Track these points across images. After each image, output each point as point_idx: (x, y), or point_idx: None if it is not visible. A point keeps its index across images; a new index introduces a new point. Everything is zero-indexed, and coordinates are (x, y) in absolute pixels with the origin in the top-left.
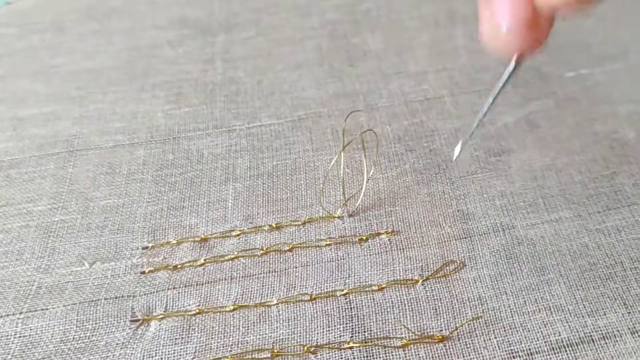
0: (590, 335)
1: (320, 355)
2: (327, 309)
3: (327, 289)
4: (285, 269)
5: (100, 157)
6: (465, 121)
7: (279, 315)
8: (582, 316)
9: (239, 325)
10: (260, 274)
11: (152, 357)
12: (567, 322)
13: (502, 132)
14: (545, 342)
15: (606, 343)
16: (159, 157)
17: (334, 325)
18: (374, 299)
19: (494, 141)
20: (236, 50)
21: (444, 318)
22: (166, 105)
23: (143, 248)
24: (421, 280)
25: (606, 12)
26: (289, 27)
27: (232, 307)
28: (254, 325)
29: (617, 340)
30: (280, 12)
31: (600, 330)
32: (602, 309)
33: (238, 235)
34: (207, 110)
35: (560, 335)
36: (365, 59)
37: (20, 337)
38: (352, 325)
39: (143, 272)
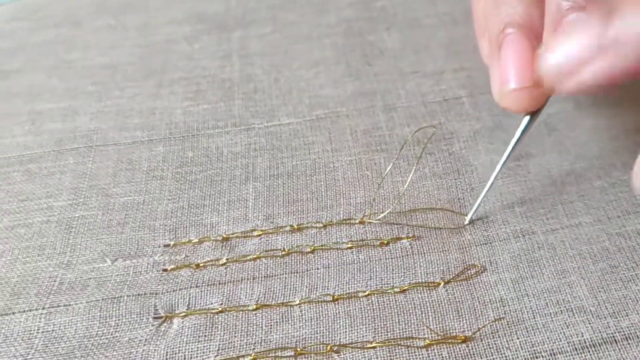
0: (613, 336)
1: (343, 354)
2: (350, 310)
3: (349, 290)
4: (307, 270)
5: (119, 153)
6: (484, 123)
7: (302, 315)
8: (605, 317)
9: (262, 324)
10: (282, 274)
11: (176, 353)
12: (590, 323)
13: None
14: (568, 342)
15: (629, 344)
16: (179, 154)
17: (357, 326)
18: (396, 300)
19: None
20: (253, 47)
21: (466, 319)
22: (184, 102)
23: (165, 246)
24: (443, 283)
25: None
26: (305, 24)
27: (254, 306)
28: (276, 324)
29: None
30: (296, 9)
31: (623, 331)
32: (625, 310)
33: (259, 235)
34: (225, 108)
35: (582, 336)
36: (382, 57)
37: (43, 332)
38: (375, 326)
39: (165, 270)
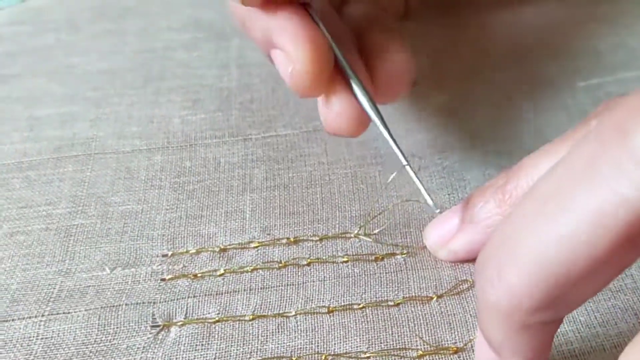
0: (602, 345)
1: None
2: (344, 322)
3: (344, 302)
4: (303, 283)
5: (118, 161)
6: (475, 138)
7: (297, 326)
8: (594, 327)
9: (258, 334)
10: (279, 286)
11: None
12: (579, 333)
13: (513, 148)
14: (557, 351)
15: (618, 352)
16: (176, 164)
17: (351, 337)
18: (390, 313)
19: (506, 159)
20: (250, 56)
21: (458, 331)
22: (182, 111)
23: (163, 255)
24: (435, 297)
25: (617, 18)
26: None
27: (251, 317)
28: (272, 335)
29: None
30: None
31: (612, 340)
32: (614, 319)
33: (257, 247)
34: (222, 117)
35: (572, 345)
36: None
37: (42, 339)
38: (369, 337)
39: (163, 280)
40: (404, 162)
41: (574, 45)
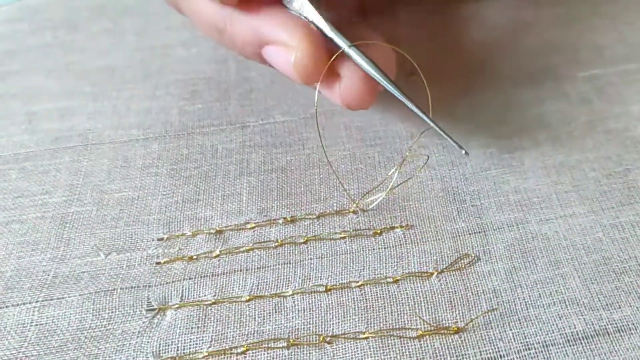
0: (606, 328)
1: (336, 345)
2: (343, 300)
3: (342, 280)
4: (300, 261)
5: (114, 150)
6: (478, 121)
7: (295, 306)
8: (597, 309)
9: (255, 315)
10: (276, 265)
11: (169, 345)
12: (582, 315)
13: (514, 131)
14: (560, 334)
15: (621, 336)
16: (174, 151)
17: (350, 316)
18: (389, 290)
19: (507, 139)
20: None
21: (459, 310)
22: (180, 102)
23: (158, 239)
24: (436, 273)
25: (618, 13)
26: None
27: (247, 298)
28: (269, 315)
29: (632, 333)
30: None
31: (616, 324)
32: (617, 302)
33: (253, 227)
34: (220, 107)
35: (575, 327)
36: None
37: (37, 325)
38: (368, 317)
39: (158, 263)
40: (424, 116)
41: (575, 40)
